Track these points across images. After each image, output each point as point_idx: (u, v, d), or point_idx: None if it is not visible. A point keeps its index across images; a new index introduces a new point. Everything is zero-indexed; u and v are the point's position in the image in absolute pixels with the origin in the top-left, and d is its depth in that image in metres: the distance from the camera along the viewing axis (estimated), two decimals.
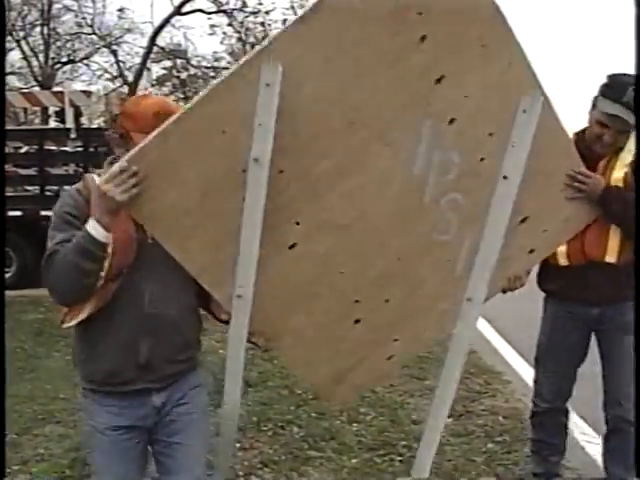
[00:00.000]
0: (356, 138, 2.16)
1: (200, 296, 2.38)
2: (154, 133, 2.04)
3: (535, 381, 3.49)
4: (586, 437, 4.18)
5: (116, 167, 2.02)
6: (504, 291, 2.59)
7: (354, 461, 3.93)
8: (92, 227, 2.05)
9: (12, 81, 24.21)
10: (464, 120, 2.22)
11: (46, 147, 9.70)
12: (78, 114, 12.32)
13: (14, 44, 23.12)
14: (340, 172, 2.19)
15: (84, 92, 11.40)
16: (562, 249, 3.10)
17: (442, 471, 3.78)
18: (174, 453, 2.37)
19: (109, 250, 2.09)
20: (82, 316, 2.21)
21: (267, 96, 2.02)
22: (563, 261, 3.18)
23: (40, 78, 24.17)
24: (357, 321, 2.43)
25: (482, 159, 2.28)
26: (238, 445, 4.03)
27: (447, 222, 2.34)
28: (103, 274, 2.12)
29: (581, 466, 3.80)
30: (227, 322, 2.35)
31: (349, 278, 2.36)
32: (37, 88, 22.11)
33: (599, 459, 3.53)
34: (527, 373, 5.27)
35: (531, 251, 2.53)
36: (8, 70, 22.22)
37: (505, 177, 2.28)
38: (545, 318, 3.41)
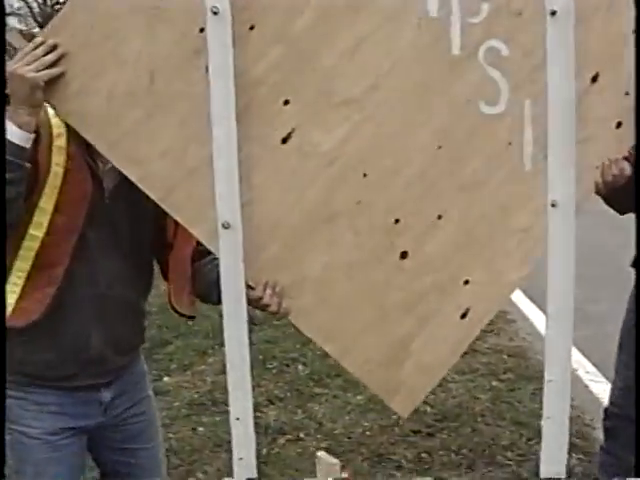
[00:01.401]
0: None
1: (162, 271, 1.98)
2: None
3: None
4: (589, 376, 4.19)
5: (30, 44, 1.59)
6: (599, 192, 1.81)
7: (359, 398, 3.95)
8: (7, 131, 1.61)
9: (12, 22, 23.86)
10: None
11: None
12: None
13: None
14: (326, 21, 1.64)
15: None
16: None
17: (446, 408, 3.82)
18: (137, 460, 2.02)
19: (27, 165, 1.65)
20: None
21: None
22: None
23: (40, 19, 23.81)
24: (404, 255, 1.73)
25: None
26: None
27: (493, 85, 1.70)
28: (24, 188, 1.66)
29: (584, 404, 3.83)
30: (184, 315, 1.97)
31: (378, 184, 1.70)
32: (37, 29, 21.83)
33: (602, 397, 3.54)
34: (532, 313, 5.29)
35: (618, 125, 1.77)
36: (7, 11, 21.87)
37: (553, 13, 1.64)
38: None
